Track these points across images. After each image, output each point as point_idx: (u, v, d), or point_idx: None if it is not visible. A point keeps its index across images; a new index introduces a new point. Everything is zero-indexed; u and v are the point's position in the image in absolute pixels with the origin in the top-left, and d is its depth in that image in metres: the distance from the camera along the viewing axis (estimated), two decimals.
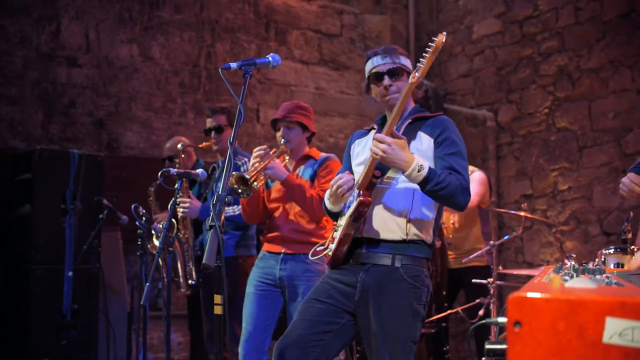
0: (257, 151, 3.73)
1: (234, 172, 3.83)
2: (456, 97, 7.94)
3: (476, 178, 5.62)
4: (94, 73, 6.38)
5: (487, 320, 1.48)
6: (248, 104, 7.23)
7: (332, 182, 2.97)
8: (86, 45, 6.37)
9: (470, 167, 5.70)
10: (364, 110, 7.85)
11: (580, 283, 1.21)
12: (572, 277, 1.37)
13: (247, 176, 3.51)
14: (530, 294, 1.01)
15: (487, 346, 1.28)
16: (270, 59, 2.96)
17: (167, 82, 6.77)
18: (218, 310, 2.31)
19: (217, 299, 2.31)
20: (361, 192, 2.86)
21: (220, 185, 2.60)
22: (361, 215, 2.87)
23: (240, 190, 3.49)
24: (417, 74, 2.73)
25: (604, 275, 1.76)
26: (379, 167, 2.87)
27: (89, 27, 6.40)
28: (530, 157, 7.01)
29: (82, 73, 6.32)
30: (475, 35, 7.74)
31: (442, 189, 2.74)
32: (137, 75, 6.61)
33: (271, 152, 3.79)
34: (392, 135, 2.75)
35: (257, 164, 3.67)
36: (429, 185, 2.73)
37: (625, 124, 6.11)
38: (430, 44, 2.67)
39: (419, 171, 2.70)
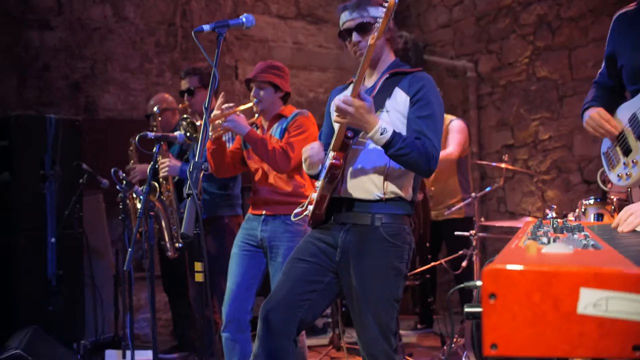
0: (220, 101, 3.75)
1: (186, 116, 3.85)
2: (436, 48, 7.88)
3: (456, 127, 5.61)
4: (67, 35, 6.27)
5: (466, 284, 1.49)
6: (226, 60, 7.15)
7: (302, 151, 2.99)
8: (58, 7, 6.24)
9: (449, 116, 5.70)
10: (343, 63, 7.79)
11: (557, 248, 1.21)
12: (549, 241, 1.37)
13: (196, 122, 3.54)
14: (504, 266, 1.00)
15: (467, 309, 1.28)
16: (244, 19, 2.91)
17: (143, 42, 6.67)
18: (199, 277, 2.30)
19: (198, 266, 2.31)
20: (334, 154, 2.84)
21: (198, 148, 2.57)
22: (335, 177, 2.85)
23: (188, 134, 3.66)
24: (374, 35, 2.65)
25: (582, 233, 1.77)
26: (351, 128, 2.82)
27: None
28: (511, 107, 7.01)
29: (55, 36, 6.21)
30: None
31: (404, 154, 2.71)
32: (111, 36, 6.50)
33: (235, 107, 3.79)
34: (358, 97, 2.70)
35: (216, 115, 3.68)
36: (392, 149, 2.70)
37: None
38: (384, 3, 2.60)
39: (381, 134, 2.67)
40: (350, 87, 3.07)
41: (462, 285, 1.52)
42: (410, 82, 2.91)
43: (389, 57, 3.03)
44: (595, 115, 2.94)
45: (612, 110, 2.99)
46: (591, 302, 0.96)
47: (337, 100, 2.70)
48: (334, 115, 2.90)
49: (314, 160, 2.96)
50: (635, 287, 0.95)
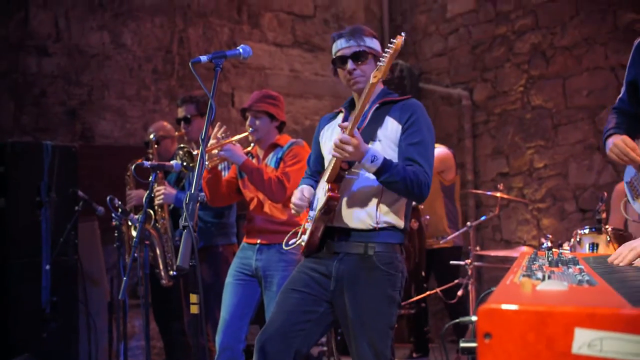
0: (216, 130, 3.75)
1: (183, 145, 3.87)
2: (431, 76, 7.93)
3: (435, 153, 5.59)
4: (65, 62, 6.29)
5: (461, 319, 1.50)
6: (222, 88, 7.18)
7: (292, 198, 3.05)
8: (56, 34, 6.28)
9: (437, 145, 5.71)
10: (339, 91, 7.82)
11: (552, 285, 1.22)
12: (544, 277, 1.38)
13: (193, 152, 3.56)
14: (499, 306, 1.01)
15: (462, 344, 1.28)
16: (240, 50, 2.92)
17: (140, 69, 6.70)
18: (194, 309, 2.30)
19: (193, 298, 2.30)
20: (330, 186, 2.86)
21: (194, 179, 2.57)
22: (331, 210, 2.88)
23: (185, 164, 3.68)
24: (377, 74, 2.70)
25: (577, 267, 1.77)
26: (346, 160, 2.86)
27: (58, 15, 6.30)
28: (506, 135, 7.04)
29: (52, 62, 6.23)
30: (449, 14, 7.72)
31: (395, 181, 2.75)
32: (109, 62, 6.52)
33: (231, 137, 3.81)
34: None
35: (213, 144, 3.69)
36: (383, 176, 2.74)
37: (599, 101, 6.15)
38: (389, 45, 2.65)
39: (372, 162, 2.71)
40: (340, 115, 3.12)
41: (457, 320, 1.52)
42: (402, 109, 2.95)
43: (377, 87, 3.05)
44: (619, 142, 2.89)
45: (633, 137, 2.95)
46: (586, 342, 0.97)
47: (337, 140, 2.71)
48: (326, 147, 2.95)
49: (299, 210, 3.04)
50: (630, 328, 0.95)
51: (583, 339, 0.97)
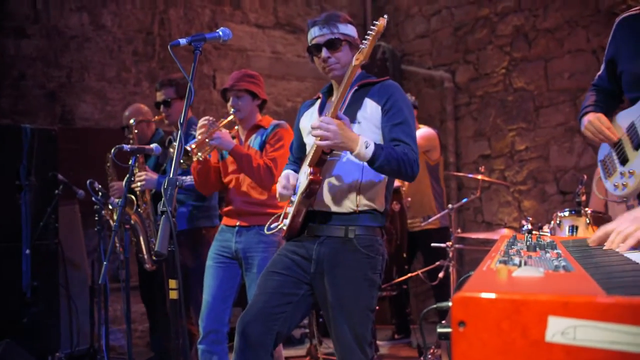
0: (202, 121, 3.73)
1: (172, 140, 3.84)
2: (414, 58, 7.92)
3: (419, 133, 5.60)
4: (43, 44, 6.21)
5: (438, 305, 1.50)
6: (204, 70, 7.13)
7: (277, 186, 3.05)
8: (34, 15, 6.19)
9: (421, 126, 5.75)
10: (321, 73, 7.73)
11: (527, 272, 1.22)
12: (520, 262, 1.38)
13: (187, 147, 3.53)
14: (473, 294, 1.01)
15: (439, 329, 1.29)
16: (220, 32, 2.90)
17: (120, 50, 6.64)
18: (174, 295, 2.29)
19: (172, 283, 2.30)
20: (312, 169, 2.86)
21: (173, 164, 2.56)
22: (313, 193, 2.90)
23: (181, 161, 3.62)
24: (359, 57, 2.71)
25: (555, 252, 1.78)
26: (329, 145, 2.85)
27: None
28: (487, 117, 7.06)
29: (31, 44, 6.15)
30: None
31: (389, 163, 2.75)
32: (88, 44, 6.45)
33: (218, 123, 3.78)
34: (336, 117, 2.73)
35: (201, 135, 3.67)
36: (377, 162, 2.74)
37: (580, 84, 6.17)
38: (372, 27, 2.65)
39: (366, 147, 2.70)
40: (318, 102, 3.13)
41: (434, 306, 1.53)
42: (380, 91, 2.97)
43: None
44: (595, 120, 2.89)
45: (610, 115, 2.96)
46: (559, 330, 0.97)
47: (316, 122, 2.71)
48: (306, 131, 2.96)
49: (285, 196, 3.04)
50: (603, 316, 0.96)
51: (556, 327, 0.97)
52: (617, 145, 2.87)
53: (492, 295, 1.00)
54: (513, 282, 1.14)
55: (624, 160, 2.83)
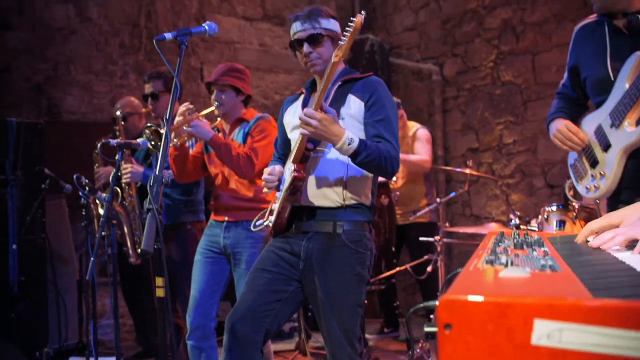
0: (181, 108, 3.73)
1: (150, 124, 3.83)
2: (402, 50, 7.91)
3: (424, 136, 5.65)
4: (29, 36, 6.16)
5: (425, 304, 1.49)
6: (191, 62, 7.09)
7: (263, 175, 3.04)
8: (19, 7, 6.13)
9: (414, 123, 5.75)
10: None
11: (514, 272, 1.22)
12: (507, 262, 1.38)
13: (160, 130, 3.53)
14: (459, 297, 1.01)
15: (426, 329, 1.28)
16: (206, 27, 2.89)
17: (107, 43, 6.59)
18: (160, 292, 2.28)
19: (159, 281, 2.29)
20: (295, 166, 2.86)
21: (159, 161, 2.53)
22: (297, 190, 2.91)
23: (152, 143, 3.66)
24: (338, 53, 2.71)
25: (542, 249, 1.78)
26: (311, 140, 2.87)
27: None
28: (475, 110, 7.06)
29: (16, 36, 6.09)
30: None
31: (371, 160, 2.76)
32: (74, 37, 6.40)
33: (197, 112, 3.77)
34: (321, 110, 2.73)
35: (180, 121, 3.65)
36: (359, 157, 2.75)
37: None
38: (349, 24, 2.66)
39: (349, 144, 2.71)
40: (301, 98, 3.13)
41: (421, 305, 1.52)
42: (363, 87, 2.97)
43: (339, 66, 3.08)
44: (562, 128, 2.96)
45: (576, 121, 3.02)
46: (545, 333, 0.97)
47: (301, 113, 2.71)
48: (290, 127, 2.95)
49: (271, 187, 3.03)
50: (589, 319, 0.96)
51: (542, 330, 0.97)
52: (586, 150, 2.93)
53: (478, 298, 0.99)
54: (499, 284, 1.14)
55: (593, 163, 2.88)
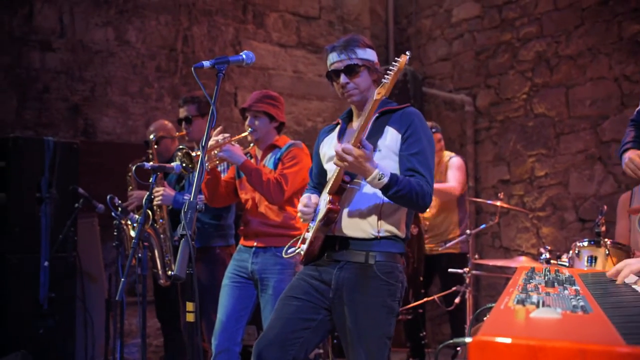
0: (216, 134, 3.75)
1: (182, 146, 3.88)
2: (435, 80, 7.93)
3: (456, 164, 5.64)
4: (68, 57, 6.29)
5: (455, 340, 1.50)
6: (225, 87, 7.17)
7: (298, 206, 3.05)
8: (60, 29, 6.27)
9: (448, 153, 5.75)
10: None
11: (545, 313, 1.22)
12: (538, 301, 1.38)
13: (192, 153, 3.57)
14: (491, 338, 1.01)
15: None
16: (244, 56, 2.94)
17: (144, 66, 6.70)
18: (190, 317, 2.30)
19: (190, 306, 2.30)
20: (330, 197, 2.87)
21: (194, 188, 2.56)
22: (331, 221, 2.90)
23: (184, 165, 3.69)
24: (381, 91, 2.67)
25: (574, 288, 1.77)
26: (348, 172, 2.87)
27: (63, 10, 6.29)
28: (507, 142, 7.04)
29: (56, 57, 6.23)
30: (455, 19, 7.72)
31: (402, 195, 2.76)
32: (112, 59, 6.52)
33: (232, 138, 3.81)
34: (360, 144, 2.72)
35: (212, 145, 3.70)
36: (390, 191, 2.75)
37: (601, 111, 6.14)
38: (394, 63, 2.64)
39: (379, 179, 2.71)
40: (337, 128, 3.13)
41: (450, 342, 1.53)
42: (401, 119, 2.96)
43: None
44: (635, 157, 2.90)
45: None
46: None
47: (339, 148, 2.71)
48: (326, 158, 2.97)
49: (307, 219, 3.04)
50: None
51: None
52: None
53: (508, 340, 1.00)
54: (530, 325, 1.14)
55: None
